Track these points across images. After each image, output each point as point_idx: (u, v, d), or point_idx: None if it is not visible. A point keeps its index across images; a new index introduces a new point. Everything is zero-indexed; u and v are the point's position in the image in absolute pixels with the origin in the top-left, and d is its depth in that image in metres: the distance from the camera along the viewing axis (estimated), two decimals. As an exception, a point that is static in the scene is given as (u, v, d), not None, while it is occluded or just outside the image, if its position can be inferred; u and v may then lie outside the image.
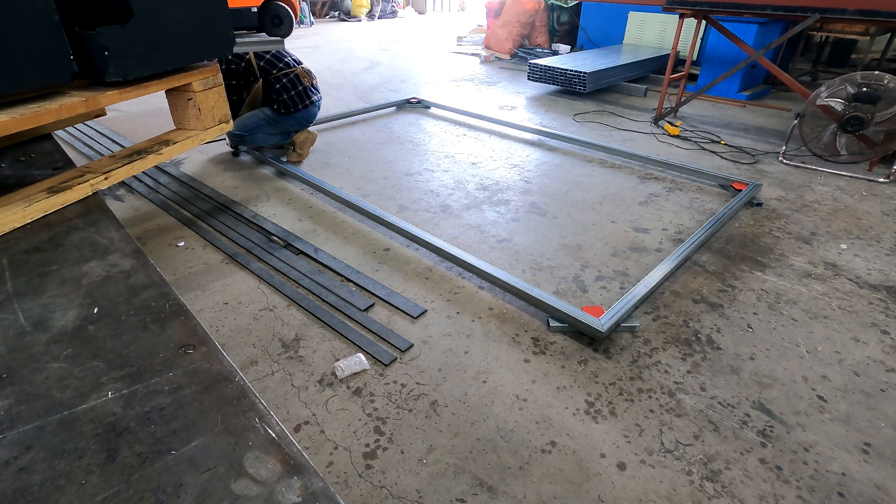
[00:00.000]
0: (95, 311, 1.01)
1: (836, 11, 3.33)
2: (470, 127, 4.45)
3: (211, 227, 2.69)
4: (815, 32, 5.64)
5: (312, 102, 3.45)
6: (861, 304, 2.17)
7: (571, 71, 5.14)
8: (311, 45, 8.87)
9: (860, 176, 3.42)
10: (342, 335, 1.94)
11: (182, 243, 2.55)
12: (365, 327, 1.98)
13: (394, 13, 13.91)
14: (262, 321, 2.02)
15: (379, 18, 13.30)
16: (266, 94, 3.38)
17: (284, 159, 3.51)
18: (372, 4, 13.12)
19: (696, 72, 5.66)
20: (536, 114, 4.85)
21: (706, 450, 1.52)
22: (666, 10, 4.24)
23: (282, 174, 3.37)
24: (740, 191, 3.01)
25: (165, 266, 2.36)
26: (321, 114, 4.22)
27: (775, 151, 3.84)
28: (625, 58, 5.71)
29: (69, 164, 1.75)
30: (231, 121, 2.27)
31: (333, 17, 13.23)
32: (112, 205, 2.93)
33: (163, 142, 2.02)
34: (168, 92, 2.07)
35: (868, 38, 5.18)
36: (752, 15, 4.10)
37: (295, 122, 3.47)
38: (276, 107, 3.33)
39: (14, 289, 1.07)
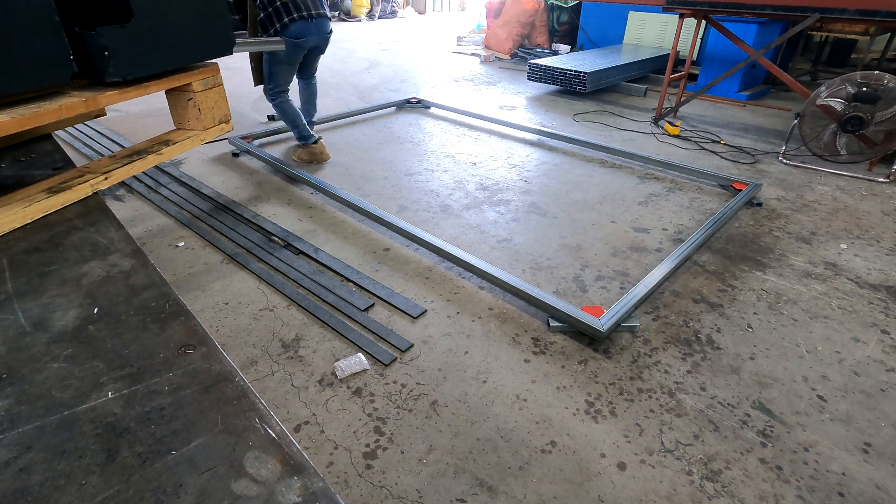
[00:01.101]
0: (95, 311, 1.01)
1: (836, 11, 3.33)
2: (470, 127, 4.45)
3: (211, 228, 2.69)
4: (815, 32, 5.64)
5: (293, 20, 3.09)
6: (861, 304, 2.17)
7: (571, 71, 5.14)
8: (311, 45, 8.86)
9: (860, 176, 3.42)
10: (342, 335, 1.94)
11: (182, 243, 2.55)
12: (365, 327, 1.98)
13: (394, 13, 13.90)
14: (262, 321, 2.02)
15: (379, 18, 13.30)
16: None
17: (295, 158, 3.62)
18: (372, 4, 13.11)
19: (696, 72, 5.66)
20: (536, 114, 4.85)
21: (706, 450, 1.52)
22: (666, 10, 4.24)
23: (282, 174, 3.38)
24: (740, 191, 3.01)
25: (165, 266, 2.36)
26: (321, 114, 4.23)
27: (775, 151, 3.84)
28: (625, 58, 5.71)
29: (69, 164, 1.75)
30: (231, 121, 2.27)
31: (333, 17, 13.23)
32: (112, 205, 2.93)
33: (163, 142, 2.02)
34: (168, 92, 2.07)
35: (868, 38, 5.18)
36: (752, 15, 4.10)
37: (290, 46, 3.16)
38: (261, 31, 3.17)
39: (14, 289, 1.07)
